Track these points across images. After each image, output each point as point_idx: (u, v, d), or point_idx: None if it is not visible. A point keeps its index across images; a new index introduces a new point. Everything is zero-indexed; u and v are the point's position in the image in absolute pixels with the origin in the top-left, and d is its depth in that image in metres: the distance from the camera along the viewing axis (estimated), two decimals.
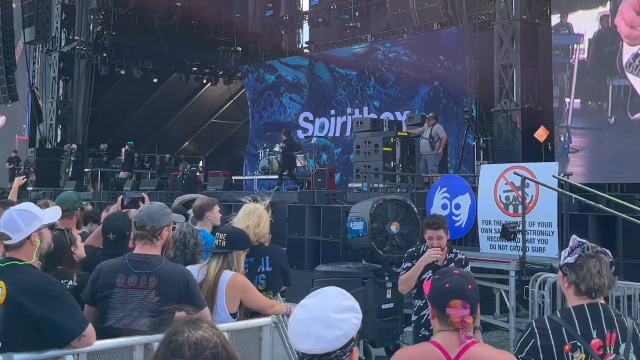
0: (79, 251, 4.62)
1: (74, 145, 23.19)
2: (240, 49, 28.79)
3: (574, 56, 14.65)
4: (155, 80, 28.91)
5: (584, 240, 3.21)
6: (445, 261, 5.70)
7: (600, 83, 14.09)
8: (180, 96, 30.81)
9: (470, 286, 2.92)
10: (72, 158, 22.73)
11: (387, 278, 8.38)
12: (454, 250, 5.94)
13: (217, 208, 6.00)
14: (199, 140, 33.17)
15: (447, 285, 2.91)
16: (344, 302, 2.29)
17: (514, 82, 15.74)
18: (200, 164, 30.86)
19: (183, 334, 1.89)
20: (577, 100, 14.51)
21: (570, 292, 3.18)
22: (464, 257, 5.89)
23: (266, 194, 11.95)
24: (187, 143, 33.06)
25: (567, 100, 14.81)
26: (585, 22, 14.49)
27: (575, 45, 14.69)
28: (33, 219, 3.58)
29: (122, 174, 23.05)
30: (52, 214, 3.83)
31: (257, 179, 20.36)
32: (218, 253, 4.61)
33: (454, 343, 2.87)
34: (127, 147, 23.39)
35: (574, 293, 3.16)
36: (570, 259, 3.17)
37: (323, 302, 2.28)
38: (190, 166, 21.60)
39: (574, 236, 3.25)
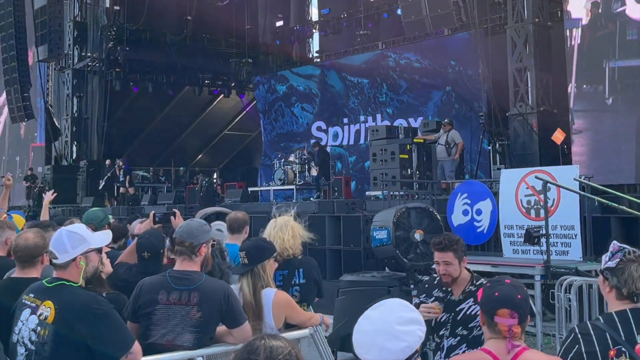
0: (106, 268, 4.66)
1: (108, 161, 23.36)
2: (251, 60, 28.86)
3: (572, 41, 14.95)
4: (169, 93, 29.04)
5: (624, 245, 3.22)
6: (462, 295, 4.54)
7: (597, 66, 14.32)
8: (194, 109, 30.90)
9: (520, 296, 2.95)
10: (108, 174, 22.81)
11: (412, 286, 8.37)
12: (478, 282, 4.57)
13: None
14: (212, 152, 33.20)
15: (496, 294, 2.95)
16: (408, 314, 2.32)
17: (529, 85, 15.74)
18: (215, 176, 30.91)
19: (261, 341, 2.07)
20: (575, 84, 14.81)
21: (611, 296, 3.19)
22: None
23: (286, 204, 11.96)
24: (201, 155, 33.13)
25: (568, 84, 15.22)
26: (579, 8, 14.86)
27: (573, 31, 14.94)
28: (80, 242, 3.62)
29: (131, 190, 23.09)
30: (102, 238, 3.85)
31: (273, 190, 20.35)
32: (245, 272, 4.53)
33: (504, 350, 2.90)
34: (122, 162, 23.39)
35: (615, 297, 3.16)
36: (612, 263, 3.17)
37: (386, 314, 2.31)
38: (208, 178, 21.57)
39: (614, 242, 3.26)
